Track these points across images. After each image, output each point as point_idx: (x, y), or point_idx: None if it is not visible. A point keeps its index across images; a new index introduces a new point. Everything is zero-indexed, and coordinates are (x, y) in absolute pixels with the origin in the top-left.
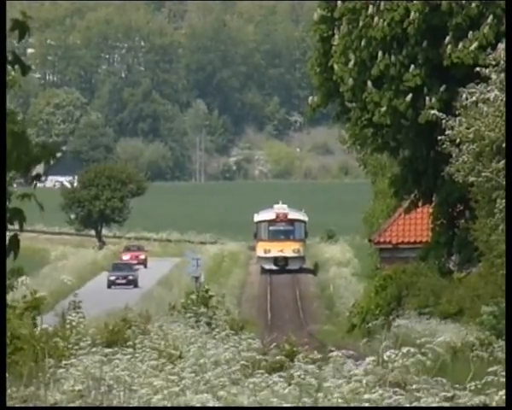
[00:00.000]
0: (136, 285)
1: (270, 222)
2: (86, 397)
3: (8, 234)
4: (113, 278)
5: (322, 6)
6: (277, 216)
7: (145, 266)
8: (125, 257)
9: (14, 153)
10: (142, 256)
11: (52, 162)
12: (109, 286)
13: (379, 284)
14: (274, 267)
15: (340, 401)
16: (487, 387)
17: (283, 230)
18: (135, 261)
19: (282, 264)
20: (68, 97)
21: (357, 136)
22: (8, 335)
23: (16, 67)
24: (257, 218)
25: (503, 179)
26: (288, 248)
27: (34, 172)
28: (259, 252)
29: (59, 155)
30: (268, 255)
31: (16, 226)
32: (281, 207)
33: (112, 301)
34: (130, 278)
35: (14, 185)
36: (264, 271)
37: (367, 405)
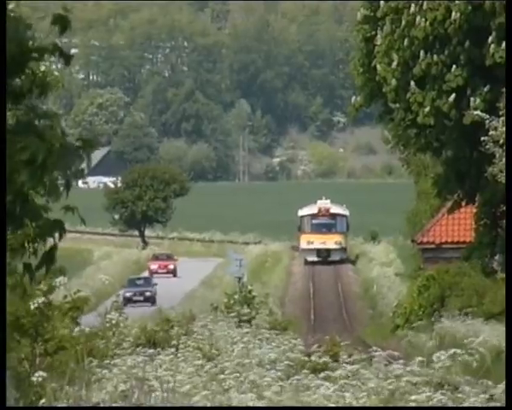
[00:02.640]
0: (153, 303)
1: (313, 216)
2: (129, 397)
3: (47, 247)
4: (129, 294)
5: (366, 6)
6: (320, 210)
7: (174, 276)
8: (153, 266)
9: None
10: (171, 266)
11: (94, 162)
12: (125, 304)
13: (422, 284)
14: (316, 259)
15: (383, 401)
16: None
17: (325, 223)
18: (163, 271)
19: (324, 255)
20: (112, 98)
21: (400, 136)
22: (50, 335)
23: (55, 69)
24: (301, 212)
25: None
26: (330, 241)
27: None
28: (303, 244)
29: (101, 154)
30: (311, 247)
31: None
32: (323, 203)
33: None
34: (148, 294)
35: (60, 185)
36: (307, 262)
37: (414, 405)
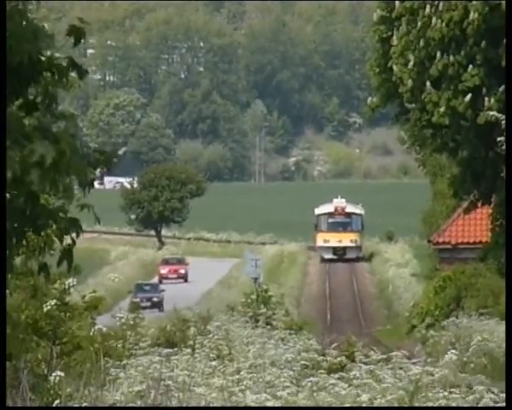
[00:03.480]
0: (161, 308)
1: (330, 215)
2: (146, 398)
3: (63, 245)
4: (136, 300)
5: (382, 6)
6: (336, 209)
7: (185, 281)
8: (163, 271)
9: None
10: (182, 271)
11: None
12: (132, 310)
13: (438, 284)
14: (332, 256)
15: (398, 401)
16: None
17: (341, 222)
18: (174, 276)
19: (340, 253)
20: (128, 98)
21: (416, 136)
22: (67, 336)
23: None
24: (317, 211)
25: None
26: (345, 239)
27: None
28: (319, 242)
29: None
30: (327, 245)
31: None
32: (339, 202)
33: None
34: (155, 300)
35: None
36: (323, 260)
37: (430, 405)
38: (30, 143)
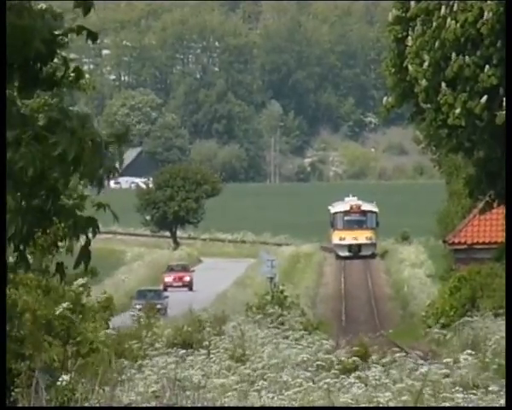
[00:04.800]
0: (164, 316)
1: (345, 213)
2: (161, 398)
3: (80, 243)
4: (138, 307)
5: (397, 6)
6: (351, 207)
7: (190, 289)
8: (168, 279)
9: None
10: (187, 278)
11: (126, 163)
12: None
13: (453, 285)
14: (348, 254)
15: (412, 401)
16: None
17: (357, 219)
18: (178, 283)
19: (355, 250)
20: (144, 99)
21: (431, 136)
22: (82, 336)
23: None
24: (333, 209)
25: None
26: (361, 236)
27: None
28: (335, 240)
29: (133, 154)
30: (343, 243)
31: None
32: (351, 200)
33: None
34: (158, 307)
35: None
36: (338, 257)
37: (446, 405)
38: (51, 136)
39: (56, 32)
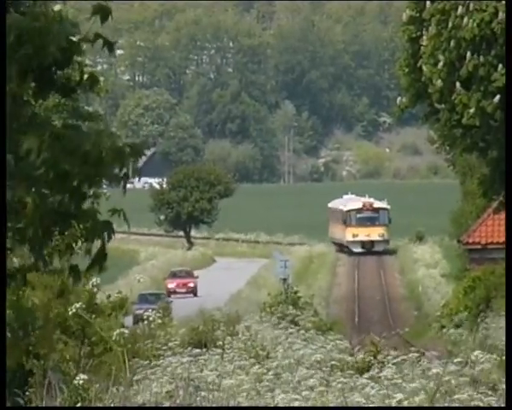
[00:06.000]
0: None
1: (358, 210)
2: (175, 398)
3: (95, 246)
4: (139, 312)
5: (411, 7)
6: (364, 205)
7: (195, 295)
8: (171, 285)
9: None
10: (191, 284)
11: (140, 163)
12: (136, 322)
13: (467, 285)
14: (361, 250)
15: (425, 401)
16: None
17: (369, 217)
18: (182, 290)
19: (368, 247)
20: (158, 99)
21: (446, 136)
22: (96, 336)
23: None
24: (346, 207)
25: None
26: (373, 233)
27: (122, 172)
28: (348, 237)
29: (146, 155)
30: (356, 239)
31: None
32: (350, 198)
33: None
34: None
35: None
36: (351, 253)
37: (456, 405)
38: (71, 137)
39: (73, 39)
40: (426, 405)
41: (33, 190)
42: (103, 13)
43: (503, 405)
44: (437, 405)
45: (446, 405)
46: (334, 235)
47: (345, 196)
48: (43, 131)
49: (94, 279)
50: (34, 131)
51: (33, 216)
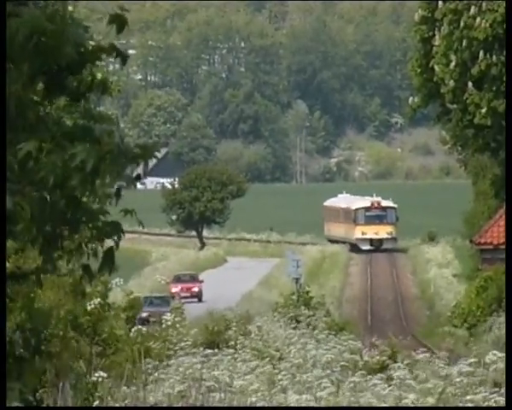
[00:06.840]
0: None
1: (367, 209)
2: (187, 398)
3: (105, 248)
4: (144, 315)
5: (423, 7)
6: (372, 204)
7: (200, 300)
8: (175, 289)
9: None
10: (196, 288)
11: (151, 163)
12: (141, 324)
13: (480, 285)
14: (370, 247)
15: (438, 401)
16: None
17: (378, 215)
18: (186, 294)
19: (377, 245)
20: (170, 99)
21: (458, 137)
22: (107, 335)
23: (112, 72)
24: (354, 206)
25: None
26: (382, 231)
27: (134, 173)
28: (357, 234)
29: (158, 155)
30: (365, 237)
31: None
32: (345, 197)
33: None
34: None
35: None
36: (360, 251)
37: (470, 405)
38: (71, 145)
39: (88, 46)
40: (441, 405)
41: (33, 193)
42: (119, 22)
43: None
44: (447, 405)
45: (459, 405)
46: (330, 233)
47: (339, 195)
48: (51, 132)
49: (116, 279)
50: (41, 133)
51: (30, 220)
